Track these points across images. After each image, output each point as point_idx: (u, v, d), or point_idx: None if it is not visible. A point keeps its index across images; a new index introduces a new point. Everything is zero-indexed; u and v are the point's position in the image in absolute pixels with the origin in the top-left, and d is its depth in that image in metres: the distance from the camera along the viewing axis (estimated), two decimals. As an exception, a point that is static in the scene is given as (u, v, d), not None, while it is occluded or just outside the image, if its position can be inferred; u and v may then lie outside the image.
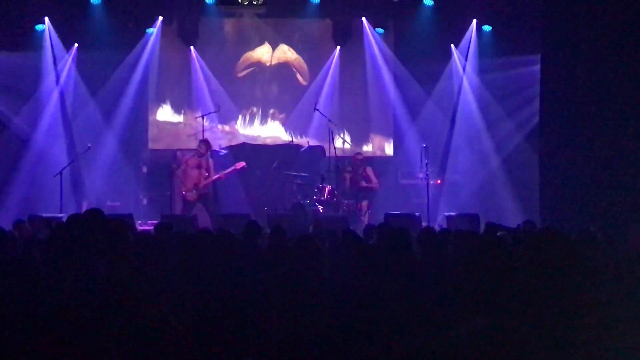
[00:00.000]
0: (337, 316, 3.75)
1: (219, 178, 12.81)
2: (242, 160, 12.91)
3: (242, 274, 5.18)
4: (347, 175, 13.43)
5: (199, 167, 12.69)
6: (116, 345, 2.64)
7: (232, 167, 12.77)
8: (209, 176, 12.70)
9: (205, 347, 3.16)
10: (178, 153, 13.60)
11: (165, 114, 15.35)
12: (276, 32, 15.48)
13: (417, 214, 11.89)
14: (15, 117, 13.97)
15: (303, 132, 15.05)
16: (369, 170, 13.56)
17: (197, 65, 15.11)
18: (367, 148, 15.30)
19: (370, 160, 14.25)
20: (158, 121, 15.31)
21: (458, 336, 2.38)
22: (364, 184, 13.32)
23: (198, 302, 3.65)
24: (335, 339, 2.88)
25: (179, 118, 15.33)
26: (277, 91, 15.50)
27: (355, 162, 13.53)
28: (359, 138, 15.44)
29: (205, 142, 12.87)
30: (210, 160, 12.90)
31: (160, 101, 15.30)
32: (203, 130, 13.89)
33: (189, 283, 4.86)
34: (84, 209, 13.49)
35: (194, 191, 12.66)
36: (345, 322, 3.35)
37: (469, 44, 14.95)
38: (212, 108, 14.59)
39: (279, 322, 3.77)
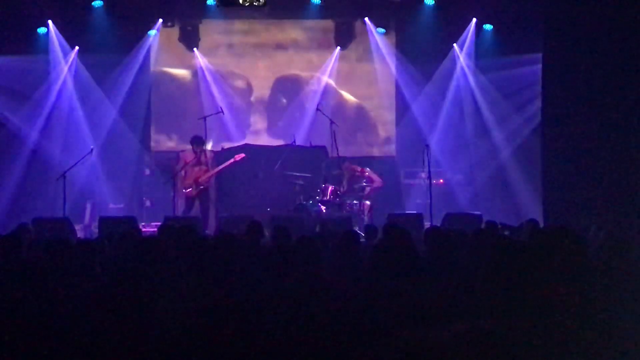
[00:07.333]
0: (340, 316, 3.76)
1: (219, 171, 12.89)
2: (245, 163, 12.95)
3: (245, 275, 5.20)
4: (345, 178, 13.37)
5: (198, 163, 12.78)
6: (121, 347, 2.66)
7: (232, 159, 12.82)
8: (208, 170, 12.78)
9: (209, 348, 3.18)
10: (180, 154, 13.60)
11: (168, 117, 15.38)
12: (277, 33, 15.49)
13: (420, 213, 11.89)
14: (19, 121, 14.00)
15: (303, 133, 15.01)
16: (369, 172, 13.50)
17: (204, 66, 15.14)
18: (369, 148, 15.28)
19: (372, 160, 14.22)
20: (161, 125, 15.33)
21: (446, 338, 2.40)
22: (367, 190, 13.24)
23: (202, 303, 3.68)
24: (337, 338, 2.89)
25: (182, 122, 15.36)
26: (276, 92, 15.51)
27: (349, 170, 13.44)
28: (360, 138, 15.44)
29: (198, 138, 12.91)
30: (210, 154, 13.01)
31: (163, 104, 15.32)
32: (206, 132, 13.88)
33: (192, 284, 4.88)
34: (87, 212, 13.51)
35: (194, 187, 12.71)
36: (347, 323, 3.37)
37: (469, 43, 14.95)
38: (217, 110, 14.60)
39: (283, 322, 3.78)
